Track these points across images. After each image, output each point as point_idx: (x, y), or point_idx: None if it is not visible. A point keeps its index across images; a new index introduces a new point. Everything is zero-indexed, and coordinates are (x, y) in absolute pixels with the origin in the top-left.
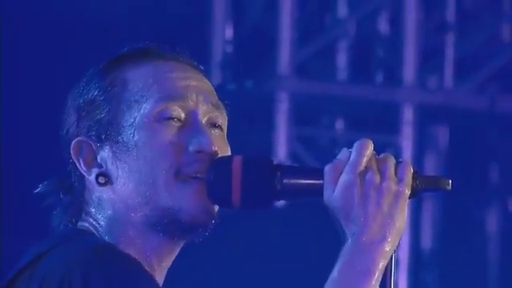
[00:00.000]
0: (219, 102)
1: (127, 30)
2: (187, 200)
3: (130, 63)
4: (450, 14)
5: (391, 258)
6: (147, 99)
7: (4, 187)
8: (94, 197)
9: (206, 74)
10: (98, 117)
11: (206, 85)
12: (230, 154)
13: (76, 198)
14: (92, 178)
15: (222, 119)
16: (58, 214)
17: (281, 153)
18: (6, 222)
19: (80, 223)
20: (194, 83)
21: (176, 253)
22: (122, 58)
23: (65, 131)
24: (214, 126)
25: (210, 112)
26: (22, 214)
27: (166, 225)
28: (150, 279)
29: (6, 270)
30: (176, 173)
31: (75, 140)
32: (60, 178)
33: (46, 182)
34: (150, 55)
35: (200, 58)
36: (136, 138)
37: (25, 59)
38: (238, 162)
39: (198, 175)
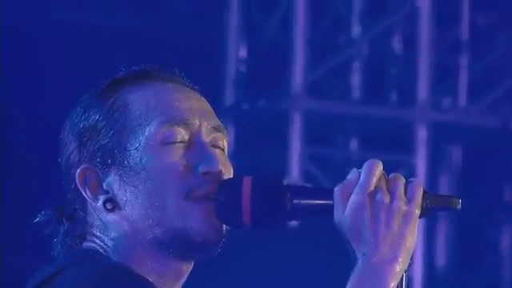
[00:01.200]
0: (220, 124)
1: (140, 47)
2: (198, 220)
3: (129, 86)
4: (464, 33)
5: (402, 278)
6: (151, 122)
7: (5, 205)
8: (98, 221)
9: (220, 93)
10: (102, 142)
11: (207, 106)
12: (232, 174)
13: (79, 223)
14: (100, 204)
15: (224, 140)
16: (60, 239)
17: (294, 172)
18: (8, 241)
19: (86, 244)
20: (195, 105)
21: (186, 273)
22: (120, 81)
23: (65, 158)
24: (216, 147)
25: (211, 134)
26: (25, 233)
27: (177, 245)
28: None
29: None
30: (186, 195)
31: (80, 168)
32: (59, 206)
33: (44, 211)
34: (148, 77)
35: (214, 77)
36: (143, 161)
37: (28, 74)
38: (247, 182)
39: (208, 196)
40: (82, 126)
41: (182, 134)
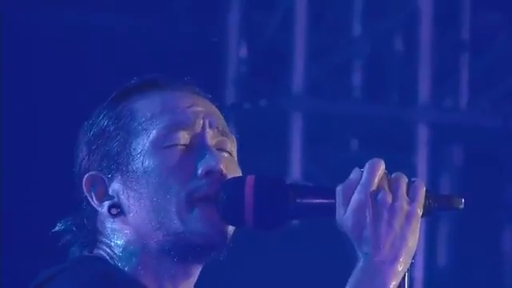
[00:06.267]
0: (226, 128)
1: (141, 49)
2: (199, 222)
3: (137, 94)
4: (465, 33)
5: (404, 277)
6: (155, 127)
7: (5, 204)
8: (107, 228)
9: (221, 93)
10: (108, 148)
11: (213, 110)
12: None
13: (89, 231)
14: (104, 210)
15: (231, 144)
16: (75, 247)
17: (295, 172)
18: (7, 243)
19: (95, 251)
20: (200, 109)
21: (194, 277)
22: (128, 90)
23: (78, 167)
24: (222, 150)
25: (216, 137)
26: (23, 234)
27: (180, 249)
28: None
29: None
30: (186, 197)
31: (86, 175)
32: (75, 216)
33: (63, 221)
34: (156, 86)
35: (214, 78)
36: (145, 165)
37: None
38: (250, 181)
39: (210, 197)
40: (91, 133)
41: (185, 137)
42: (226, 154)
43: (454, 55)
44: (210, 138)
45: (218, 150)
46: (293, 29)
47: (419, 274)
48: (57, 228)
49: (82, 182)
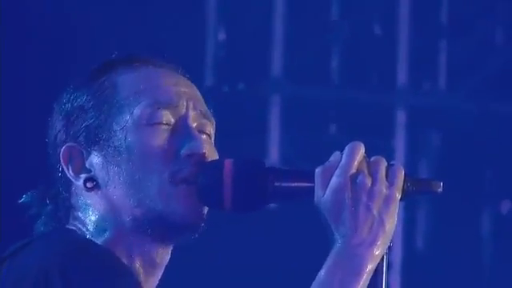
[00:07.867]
0: (207, 110)
1: (119, 31)
2: (179, 203)
3: (120, 68)
4: (444, 17)
5: (382, 260)
6: (139, 103)
7: (4, 187)
8: (80, 202)
9: (199, 76)
10: (88, 122)
11: (195, 92)
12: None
13: (63, 204)
14: (80, 183)
15: (210, 127)
16: (44, 220)
17: (273, 156)
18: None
19: (68, 227)
20: (184, 89)
21: (167, 256)
22: (110, 64)
23: (52, 138)
24: (203, 132)
25: (198, 119)
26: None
27: (157, 227)
28: (130, 276)
29: None
30: (169, 177)
31: (64, 146)
32: (45, 187)
33: (30, 192)
34: (139, 61)
35: (193, 61)
36: (128, 141)
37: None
38: (229, 165)
39: (190, 179)
40: (69, 106)
41: (168, 116)
42: (205, 136)
43: (433, 39)
44: (193, 119)
45: (199, 131)
46: (271, 13)
47: (397, 257)
48: (24, 199)
49: (56, 152)
